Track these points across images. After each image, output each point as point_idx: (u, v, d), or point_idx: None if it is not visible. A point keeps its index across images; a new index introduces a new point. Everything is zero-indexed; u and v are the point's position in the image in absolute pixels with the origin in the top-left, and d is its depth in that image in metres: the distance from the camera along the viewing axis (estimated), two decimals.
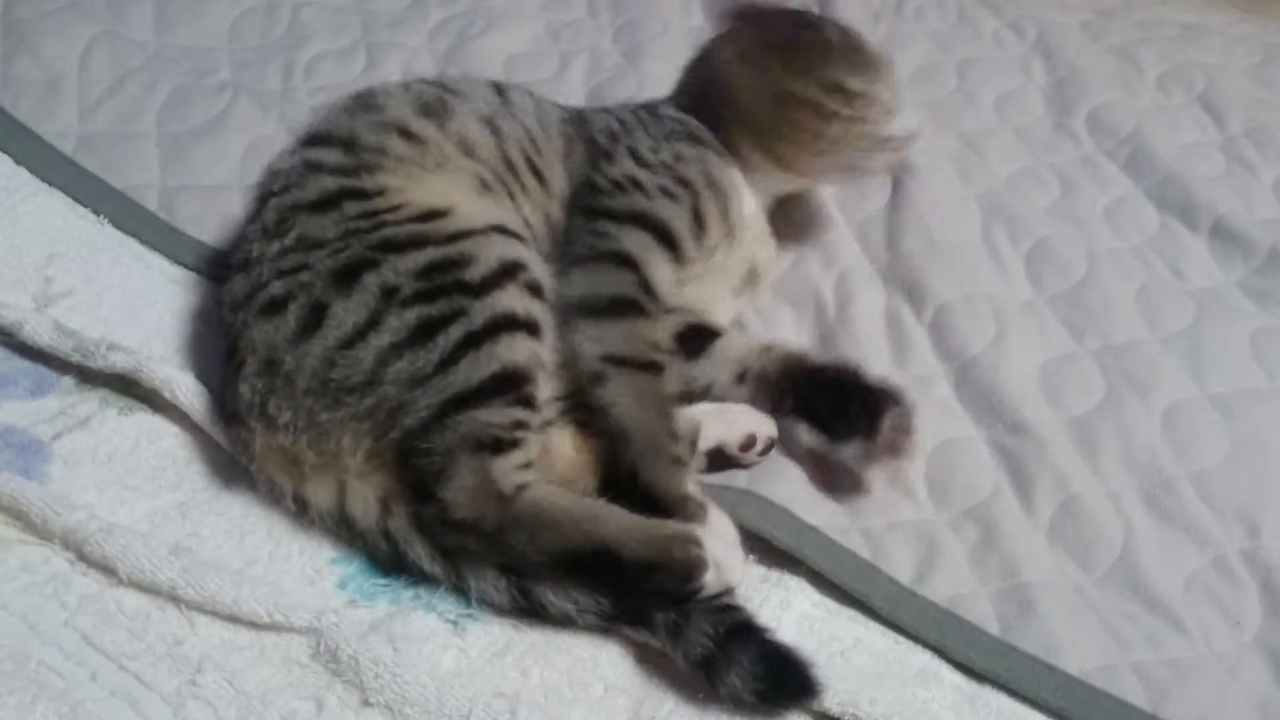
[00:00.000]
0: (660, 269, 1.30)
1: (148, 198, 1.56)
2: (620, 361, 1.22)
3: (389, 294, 1.14)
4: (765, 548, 1.20)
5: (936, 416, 1.36)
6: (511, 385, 1.14)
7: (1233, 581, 1.22)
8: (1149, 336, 1.48)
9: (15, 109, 1.65)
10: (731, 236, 1.39)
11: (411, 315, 1.14)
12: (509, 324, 1.15)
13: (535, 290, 1.20)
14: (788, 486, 1.26)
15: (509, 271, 1.18)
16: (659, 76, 1.80)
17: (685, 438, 1.23)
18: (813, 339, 1.47)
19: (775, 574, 1.19)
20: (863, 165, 1.46)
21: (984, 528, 1.25)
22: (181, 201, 1.56)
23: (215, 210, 1.55)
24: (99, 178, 1.57)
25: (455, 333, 1.13)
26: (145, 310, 1.42)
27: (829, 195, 1.65)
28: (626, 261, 1.28)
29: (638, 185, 1.34)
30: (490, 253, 1.18)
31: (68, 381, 1.32)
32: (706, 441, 1.25)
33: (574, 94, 1.80)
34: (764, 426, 1.28)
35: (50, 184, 1.56)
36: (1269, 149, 1.81)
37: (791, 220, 1.59)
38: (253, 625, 1.10)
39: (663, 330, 1.28)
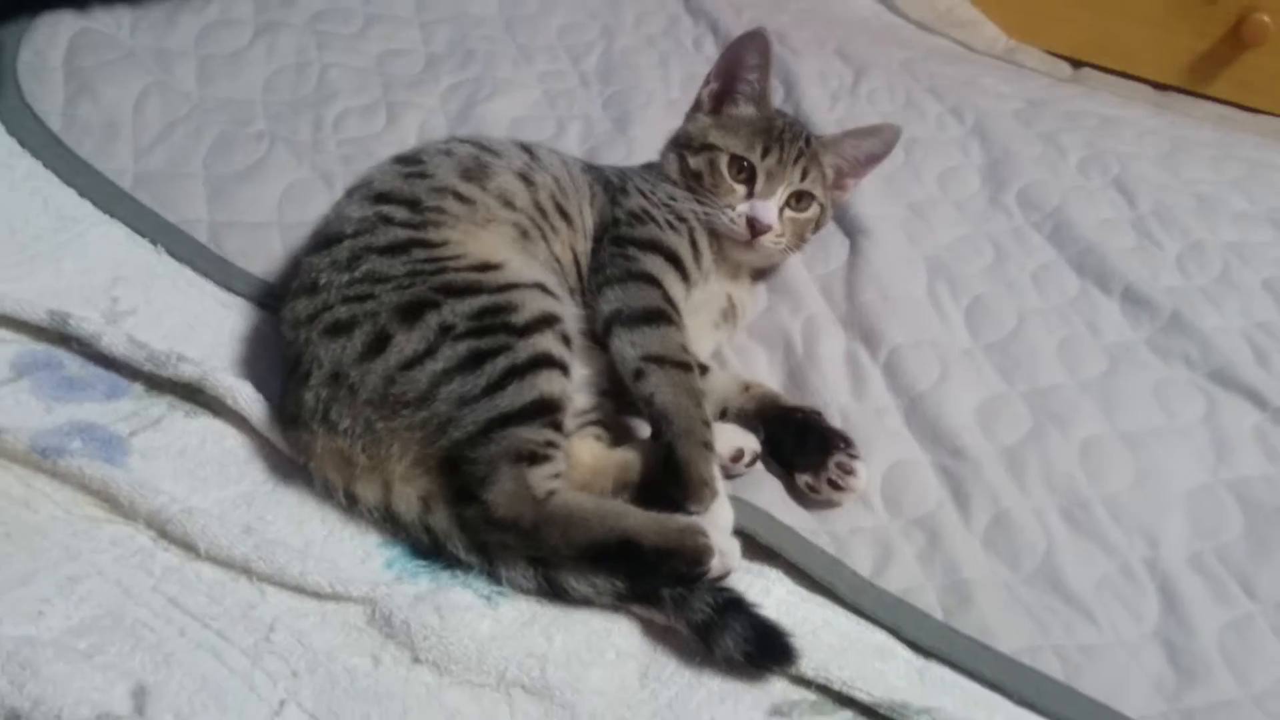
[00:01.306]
0: (675, 287, 1.54)
1: (198, 231, 1.73)
2: (658, 359, 1.44)
3: (446, 330, 1.34)
4: (748, 543, 1.38)
5: (890, 441, 1.57)
6: (547, 411, 1.34)
7: (1135, 584, 1.43)
8: (1069, 381, 1.70)
9: (79, 148, 1.81)
10: (715, 267, 1.63)
11: (464, 347, 1.33)
12: (547, 362, 1.35)
13: (566, 340, 1.41)
14: (767, 494, 1.46)
15: (548, 321, 1.39)
16: (645, 142, 2.03)
17: None
18: (784, 374, 1.68)
19: (757, 566, 1.38)
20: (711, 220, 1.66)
21: (930, 534, 1.46)
22: (228, 236, 1.73)
23: (258, 245, 1.73)
24: (155, 212, 1.74)
25: (501, 364, 1.33)
26: (201, 330, 1.59)
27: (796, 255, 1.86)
28: (651, 280, 1.52)
29: (650, 217, 1.59)
30: (534, 304, 1.39)
31: (138, 388, 1.47)
32: None
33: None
34: (750, 442, 1.49)
35: (112, 215, 1.72)
36: (1173, 227, 2.04)
37: (765, 274, 1.81)
38: (316, 595, 1.26)
39: (685, 339, 1.49)
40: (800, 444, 1.51)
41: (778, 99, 2.28)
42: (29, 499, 1.31)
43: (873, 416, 1.60)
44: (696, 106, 1.74)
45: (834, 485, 1.47)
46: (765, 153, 1.64)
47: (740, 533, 1.38)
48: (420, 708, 1.18)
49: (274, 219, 1.78)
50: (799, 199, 1.67)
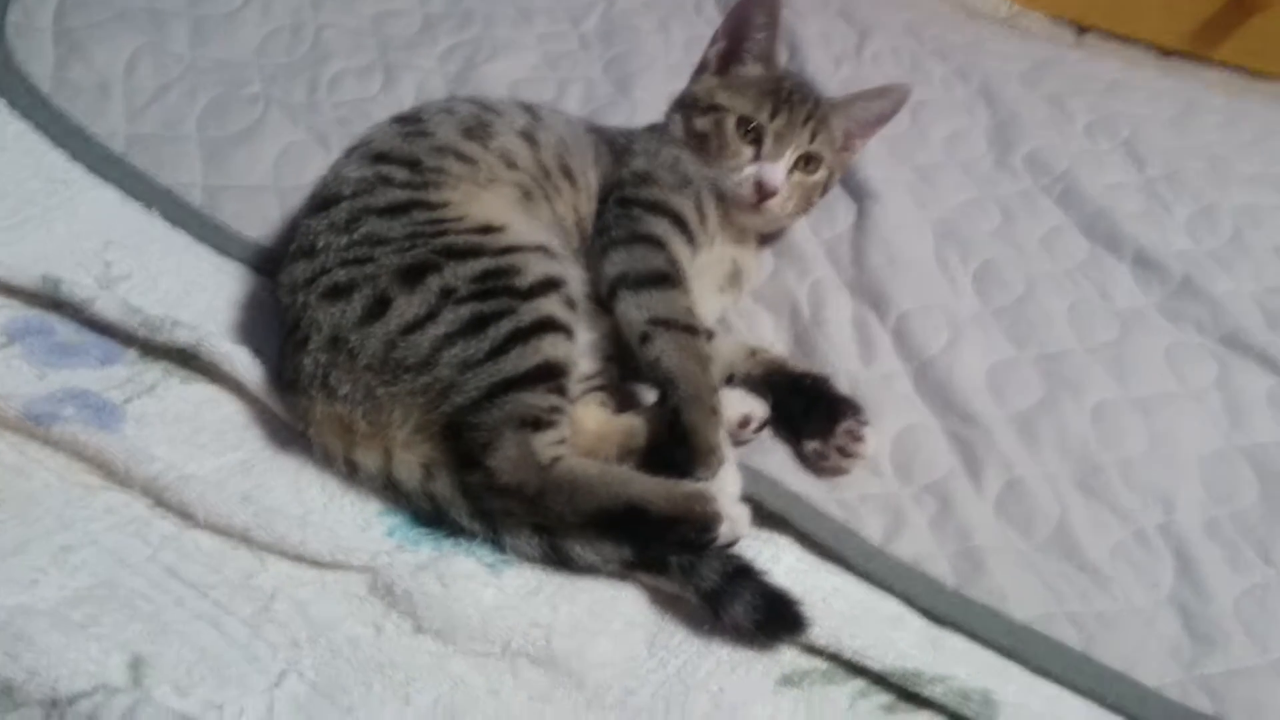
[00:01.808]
0: (680, 249, 1.50)
1: (192, 195, 1.70)
2: (664, 322, 1.40)
3: (447, 293, 1.31)
4: (756, 511, 1.35)
5: (899, 407, 1.55)
6: (551, 375, 1.31)
7: (1150, 550, 1.42)
8: (1079, 346, 1.68)
9: (70, 110, 1.77)
10: (720, 230, 1.59)
11: (466, 311, 1.30)
12: (551, 325, 1.32)
13: (570, 304, 1.37)
14: (775, 461, 1.43)
15: (553, 284, 1.35)
16: (647, 105, 1.99)
17: None
18: (790, 340, 1.65)
19: (765, 533, 1.36)
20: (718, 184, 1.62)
21: (941, 500, 1.44)
22: (224, 200, 1.70)
23: (254, 209, 1.69)
24: (148, 175, 1.70)
25: (505, 327, 1.30)
26: (196, 295, 1.56)
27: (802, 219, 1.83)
28: (657, 242, 1.48)
29: (655, 179, 1.55)
30: (537, 267, 1.35)
31: (132, 354, 1.44)
32: None
33: None
34: (757, 408, 1.46)
35: (104, 179, 1.68)
36: (1183, 191, 2.02)
37: (771, 239, 1.78)
38: (316, 564, 1.24)
39: (691, 302, 1.46)
40: (808, 410, 1.48)
41: (781, 61, 2.25)
42: (22, 466, 1.28)
43: (881, 382, 1.58)
44: (702, 67, 1.70)
45: (842, 452, 1.44)
46: (774, 114, 1.59)
47: (749, 499, 1.35)
48: (424, 677, 1.17)
49: (270, 182, 1.74)
50: (807, 161, 1.63)
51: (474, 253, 1.34)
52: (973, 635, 1.30)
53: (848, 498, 1.42)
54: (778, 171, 1.58)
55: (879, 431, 1.48)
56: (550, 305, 1.34)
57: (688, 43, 2.29)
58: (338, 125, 1.86)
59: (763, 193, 1.58)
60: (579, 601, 1.25)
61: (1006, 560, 1.37)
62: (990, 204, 1.95)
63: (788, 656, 1.25)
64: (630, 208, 1.52)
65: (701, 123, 1.61)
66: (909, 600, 1.32)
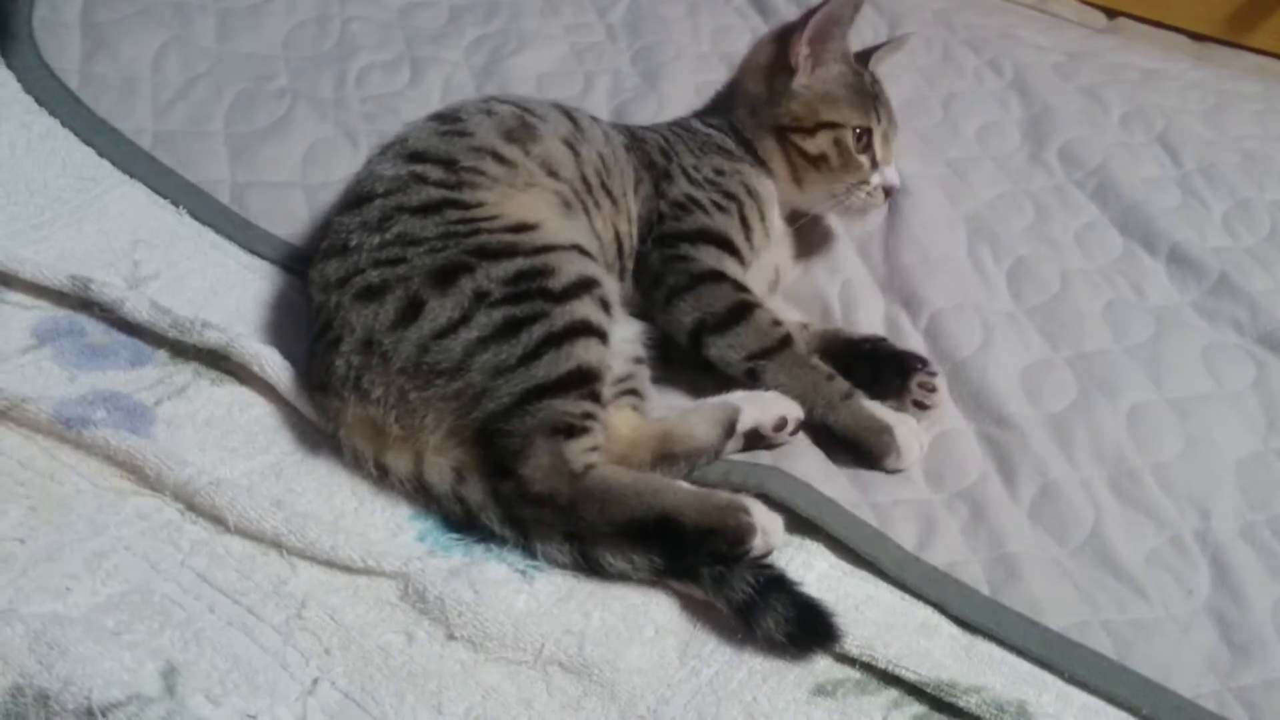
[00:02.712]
0: (736, 270, 1.49)
1: (220, 192, 1.69)
2: (762, 354, 1.44)
3: (481, 296, 1.30)
4: (789, 517, 1.34)
5: (932, 410, 1.52)
6: (584, 381, 1.29)
7: (1186, 557, 1.40)
8: (1115, 346, 1.66)
9: (96, 106, 1.77)
10: (768, 239, 1.57)
11: (499, 315, 1.29)
12: (585, 329, 1.31)
13: (605, 305, 1.36)
14: (808, 465, 1.41)
15: (586, 286, 1.34)
16: (674, 98, 1.98)
17: (728, 420, 1.39)
18: (820, 340, 1.62)
19: (798, 539, 1.34)
20: (845, 202, 1.63)
21: (974, 506, 1.42)
22: (251, 197, 1.69)
23: (282, 206, 1.69)
24: (176, 172, 1.70)
25: (537, 332, 1.28)
26: (225, 293, 1.55)
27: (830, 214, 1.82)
28: (717, 276, 1.48)
29: (696, 204, 1.53)
30: (571, 267, 1.34)
31: (162, 354, 1.44)
32: (745, 424, 1.40)
33: (599, 112, 1.93)
34: (792, 409, 1.44)
35: (131, 175, 1.68)
36: (1219, 185, 1.99)
37: (801, 234, 1.75)
38: (347, 569, 1.23)
39: (772, 313, 1.48)
40: (875, 372, 1.50)
41: None
42: (53, 471, 1.28)
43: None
44: (785, 73, 1.62)
45: (920, 405, 1.48)
46: (878, 116, 1.61)
47: (781, 506, 1.34)
48: (455, 686, 1.16)
49: (297, 179, 1.74)
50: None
51: (507, 253, 1.33)
52: (1007, 644, 1.27)
53: (880, 501, 1.41)
54: (895, 172, 1.62)
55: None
56: (584, 308, 1.32)
57: (715, 32, 2.27)
58: (365, 120, 1.85)
59: (889, 195, 1.62)
60: (611, 608, 1.24)
61: (1041, 567, 1.36)
62: (1024, 199, 1.93)
63: (821, 666, 1.23)
64: (676, 245, 1.52)
65: (815, 144, 1.60)
66: (942, 608, 1.30)
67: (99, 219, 1.61)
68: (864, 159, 1.58)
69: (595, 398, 1.31)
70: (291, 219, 1.67)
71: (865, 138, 1.58)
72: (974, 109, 2.15)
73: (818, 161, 1.59)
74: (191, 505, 1.26)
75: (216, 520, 1.25)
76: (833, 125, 1.59)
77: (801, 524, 1.36)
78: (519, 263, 1.32)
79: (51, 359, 1.40)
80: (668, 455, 1.36)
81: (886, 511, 1.40)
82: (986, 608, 1.31)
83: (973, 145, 2.06)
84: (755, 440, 1.42)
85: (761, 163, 1.62)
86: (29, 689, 1.05)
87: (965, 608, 1.31)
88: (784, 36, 1.62)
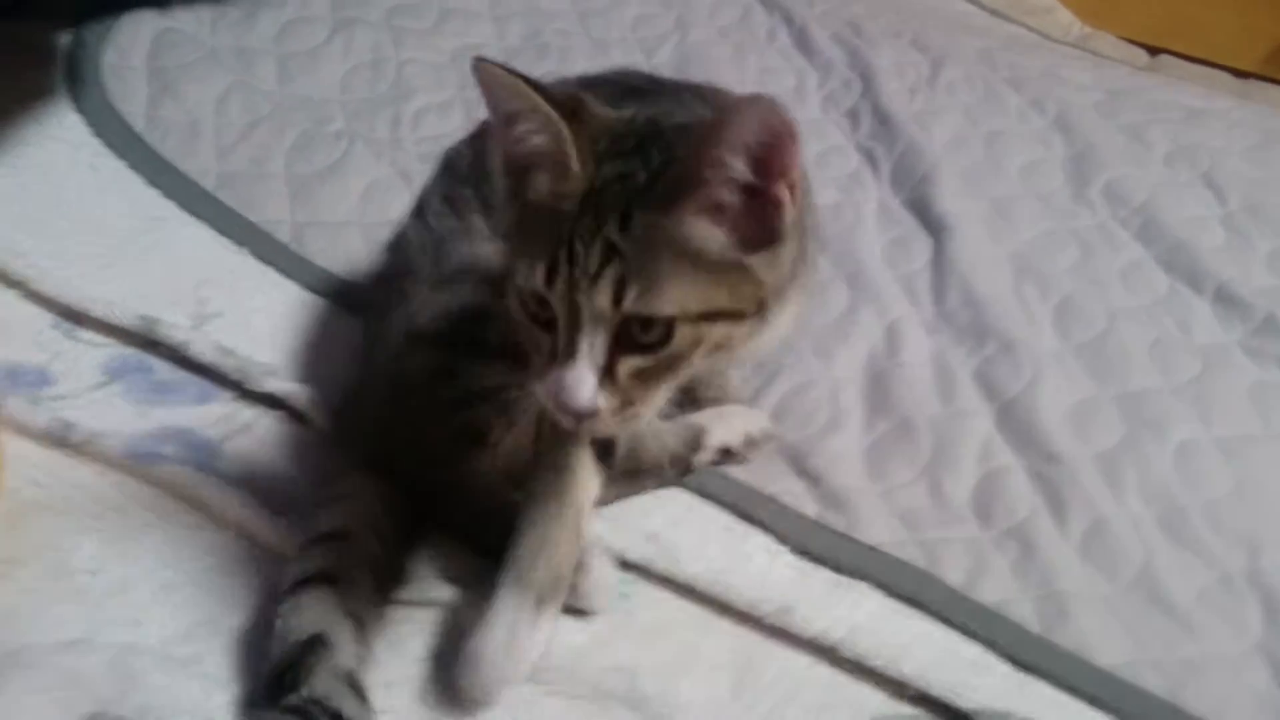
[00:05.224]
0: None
1: (280, 231, 1.73)
2: None
3: None
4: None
5: (982, 448, 1.53)
6: None
7: (1237, 596, 1.39)
8: (1162, 385, 1.66)
9: (162, 148, 1.82)
10: None
11: None
12: None
13: None
14: (857, 510, 1.43)
15: None
16: None
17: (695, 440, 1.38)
18: (866, 380, 1.63)
19: (846, 580, 1.36)
20: None
21: (1023, 544, 1.42)
22: (310, 236, 1.73)
23: (339, 245, 1.73)
24: (238, 213, 1.74)
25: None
26: (286, 332, 1.59)
27: (876, 252, 1.84)
28: None
29: None
30: None
31: (228, 393, 1.47)
32: (712, 444, 1.42)
33: None
34: (760, 423, 1.46)
35: (197, 216, 1.73)
36: (1265, 224, 1.99)
37: (843, 273, 1.78)
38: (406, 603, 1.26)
39: None
40: None
41: (854, 94, 2.25)
42: (124, 505, 1.31)
43: (961, 422, 1.57)
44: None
45: None
46: (550, 273, 0.99)
47: (822, 560, 1.37)
48: (520, 717, 1.18)
49: (355, 218, 1.78)
50: (644, 326, 0.99)
51: None
52: (1058, 682, 1.28)
53: (929, 538, 1.42)
54: (579, 378, 0.98)
55: (960, 474, 1.49)
56: None
57: (760, 73, 2.31)
58: (420, 161, 1.88)
59: (571, 412, 1.00)
60: (663, 646, 1.26)
61: (1091, 605, 1.36)
62: (1068, 237, 1.94)
63: (875, 701, 1.25)
64: None
65: (510, 307, 1.08)
66: (992, 646, 1.31)
67: (166, 259, 1.66)
68: (544, 337, 1.04)
69: None
70: (349, 257, 1.71)
71: (544, 307, 1.03)
72: (1016, 147, 2.16)
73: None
74: (255, 542, 1.30)
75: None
76: (510, 279, 1.08)
77: (848, 565, 1.38)
78: None
79: (121, 395, 1.44)
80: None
81: (934, 549, 1.41)
82: (1038, 646, 1.32)
83: (1015, 184, 2.07)
84: (729, 456, 1.44)
85: None
86: (107, 717, 1.09)
87: (1016, 645, 1.31)
88: None
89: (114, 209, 1.72)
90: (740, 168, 0.98)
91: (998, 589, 1.38)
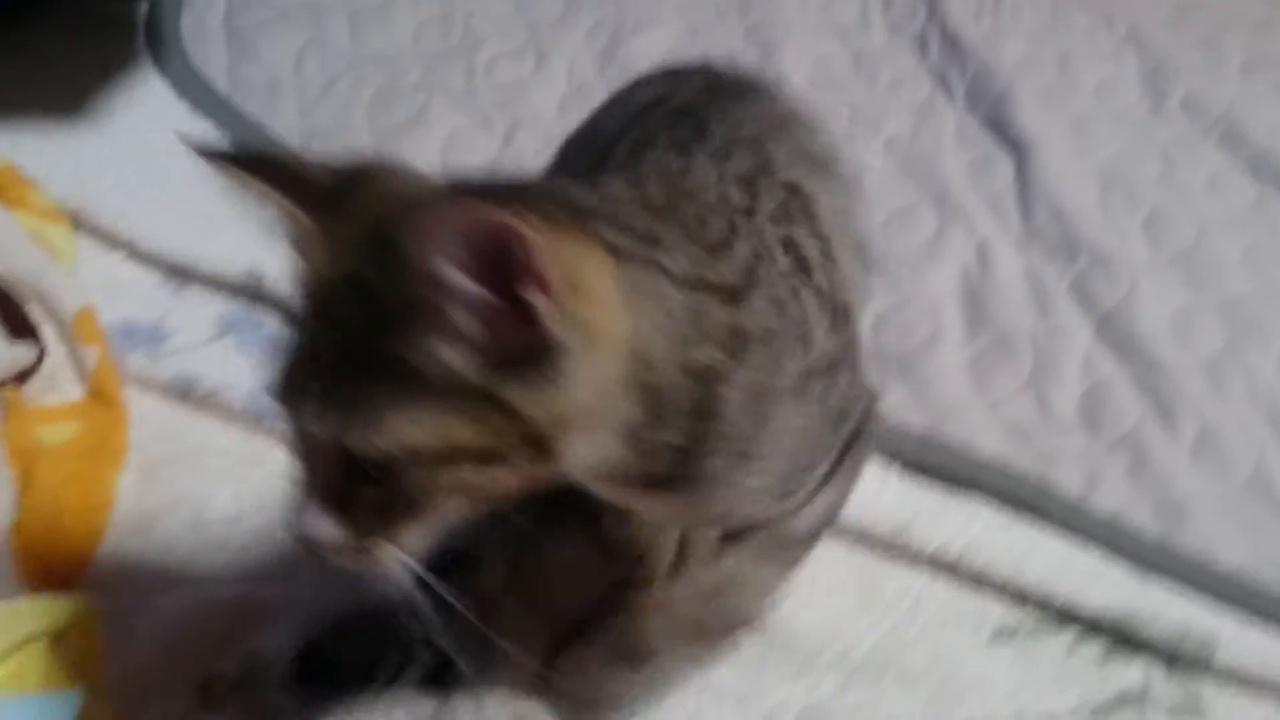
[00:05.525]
0: None
1: None
2: None
3: None
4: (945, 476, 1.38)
5: (1083, 360, 1.54)
6: None
7: None
8: (1259, 290, 1.66)
9: (246, 109, 1.84)
10: None
11: None
12: None
13: None
14: (965, 423, 1.44)
15: None
16: (794, 71, 2.01)
17: None
18: (961, 299, 1.63)
19: (959, 494, 1.37)
20: None
21: (1135, 451, 1.43)
22: None
23: None
24: None
25: None
26: None
27: (959, 173, 1.83)
28: None
29: None
30: None
31: None
32: None
33: None
34: None
35: None
36: None
37: (929, 195, 1.78)
38: None
39: None
40: None
41: (919, 20, 2.23)
42: (250, 457, 1.34)
43: (1062, 336, 1.57)
44: None
45: None
46: (283, 379, 0.81)
47: (932, 470, 1.38)
48: None
49: (438, 167, 1.76)
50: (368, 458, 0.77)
51: None
52: (1179, 584, 1.30)
53: (1041, 449, 1.43)
54: (305, 502, 0.81)
55: (1064, 386, 1.49)
56: None
57: (823, 5, 2.28)
58: (497, 108, 1.90)
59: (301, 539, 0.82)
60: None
61: (1209, 507, 1.37)
62: (1150, 151, 1.92)
63: (996, 612, 1.27)
64: None
65: None
66: (1112, 552, 1.33)
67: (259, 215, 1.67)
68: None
69: None
70: None
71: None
72: (1089, 66, 2.13)
73: None
74: None
75: None
76: None
77: (962, 478, 1.39)
78: None
79: (234, 349, 1.47)
80: None
81: (1049, 459, 1.42)
82: (1158, 550, 1.33)
83: (1092, 101, 2.05)
84: None
85: None
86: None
87: (1136, 551, 1.33)
88: None
89: (207, 170, 1.73)
90: (461, 281, 0.70)
91: (1113, 496, 1.39)
